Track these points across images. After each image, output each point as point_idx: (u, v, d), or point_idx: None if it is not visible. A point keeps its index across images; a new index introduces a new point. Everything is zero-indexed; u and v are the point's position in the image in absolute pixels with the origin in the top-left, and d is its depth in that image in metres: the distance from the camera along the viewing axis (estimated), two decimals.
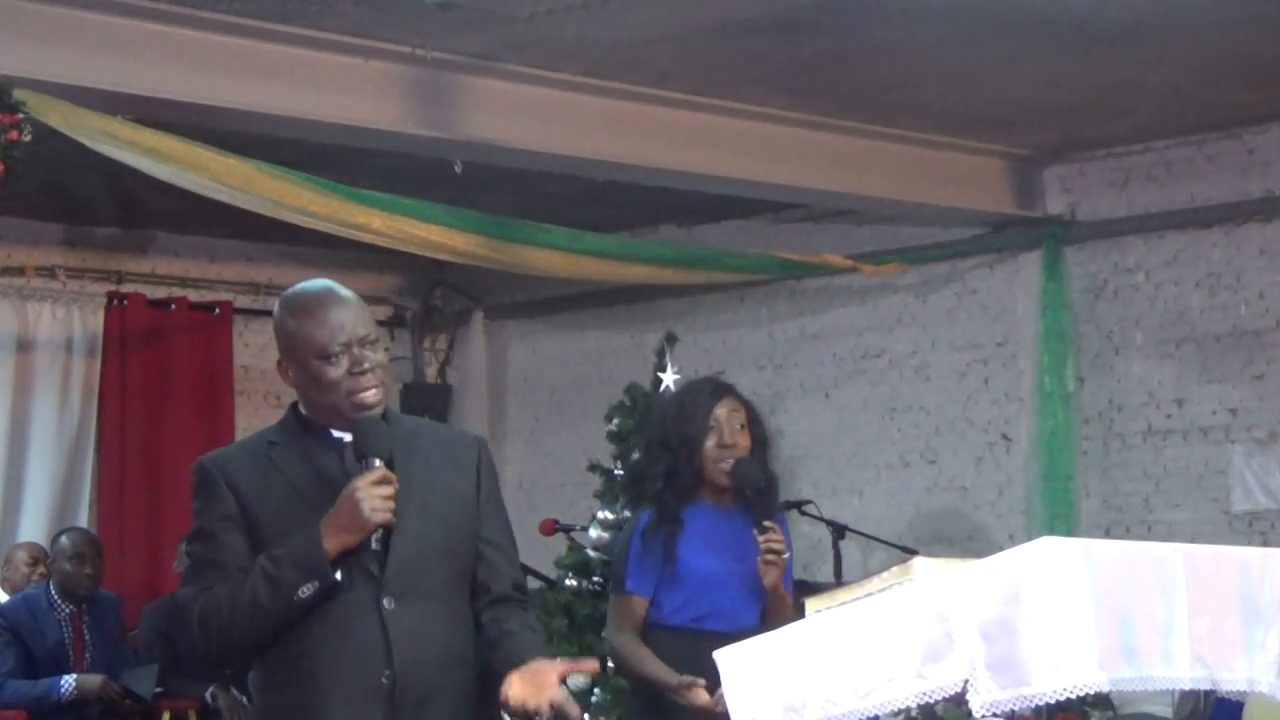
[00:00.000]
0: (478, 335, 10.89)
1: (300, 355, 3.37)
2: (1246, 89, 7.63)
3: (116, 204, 9.17)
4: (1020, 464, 8.91)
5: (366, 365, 3.33)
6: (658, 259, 8.64)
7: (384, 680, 3.22)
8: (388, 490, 3.23)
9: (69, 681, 7.37)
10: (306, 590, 3.19)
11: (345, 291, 3.40)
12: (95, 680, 7.40)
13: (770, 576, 4.44)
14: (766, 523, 4.46)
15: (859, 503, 9.40)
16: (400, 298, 10.97)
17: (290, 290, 3.47)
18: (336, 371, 3.33)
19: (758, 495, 4.52)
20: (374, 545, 3.24)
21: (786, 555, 4.48)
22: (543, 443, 10.75)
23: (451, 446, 3.49)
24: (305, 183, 6.76)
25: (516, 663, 3.25)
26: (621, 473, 6.77)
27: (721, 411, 4.58)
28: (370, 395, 3.33)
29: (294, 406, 3.47)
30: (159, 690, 7.62)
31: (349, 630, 3.24)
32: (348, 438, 3.35)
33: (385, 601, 3.25)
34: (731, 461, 4.52)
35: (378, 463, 3.26)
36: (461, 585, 3.38)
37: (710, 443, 4.54)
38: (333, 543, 3.20)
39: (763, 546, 4.43)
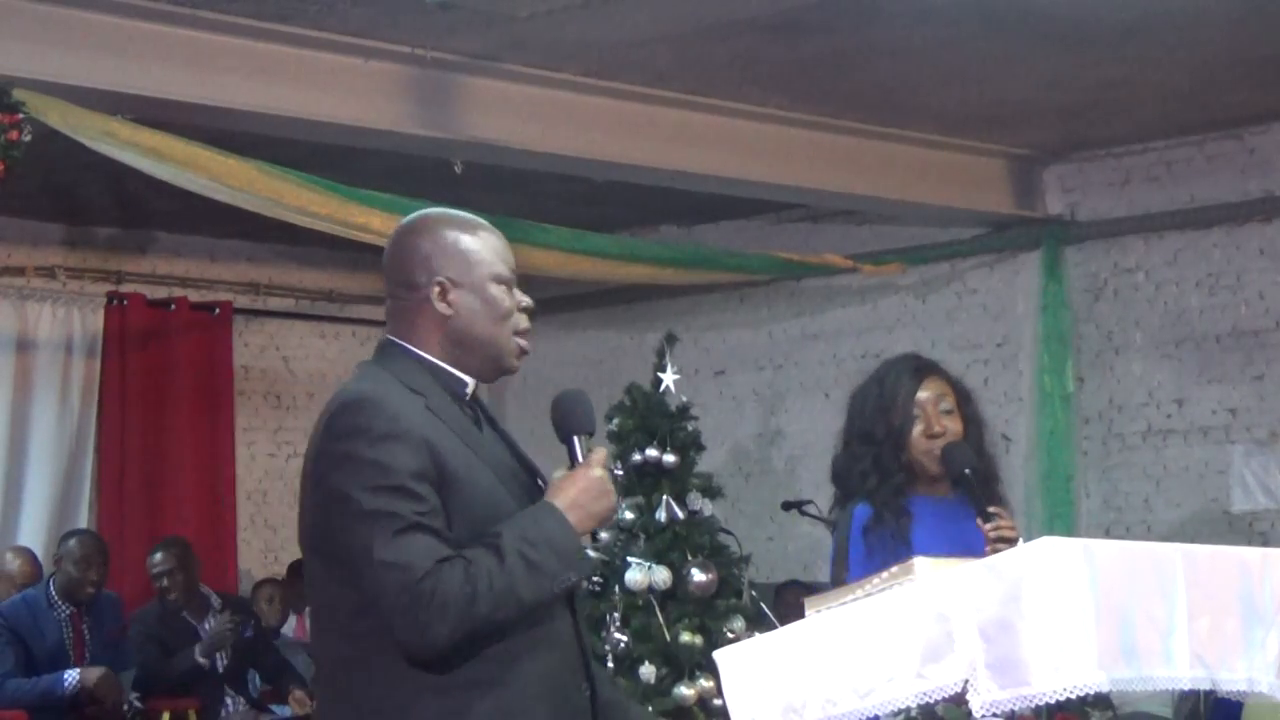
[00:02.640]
0: None
1: (476, 275, 2.94)
2: (1246, 89, 7.63)
3: (116, 204, 9.17)
4: (1020, 464, 8.91)
5: (530, 303, 3.02)
6: (658, 259, 8.65)
7: (585, 693, 2.90)
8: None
9: (72, 675, 7.36)
10: (567, 581, 2.79)
11: None
12: (95, 672, 7.38)
13: None
14: (992, 509, 3.96)
15: None
16: None
17: (435, 211, 3.08)
18: (511, 301, 2.97)
19: (976, 480, 4.03)
20: (599, 537, 2.93)
21: (1019, 540, 3.83)
22: (543, 443, 10.72)
23: None
24: (305, 183, 6.76)
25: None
26: (621, 473, 6.76)
27: (926, 395, 4.14)
28: (530, 341, 3.03)
29: (402, 350, 2.95)
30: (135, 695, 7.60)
31: (551, 634, 2.84)
32: (469, 388, 3.03)
33: (575, 604, 2.92)
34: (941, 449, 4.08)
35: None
36: None
37: (917, 431, 4.09)
38: (583, 529, 2.85)
39: (991, 535, 3.91)
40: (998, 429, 9.15)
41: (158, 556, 8.02)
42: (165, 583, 7.93)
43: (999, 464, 4.31)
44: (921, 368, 4.21)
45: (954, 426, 4.12)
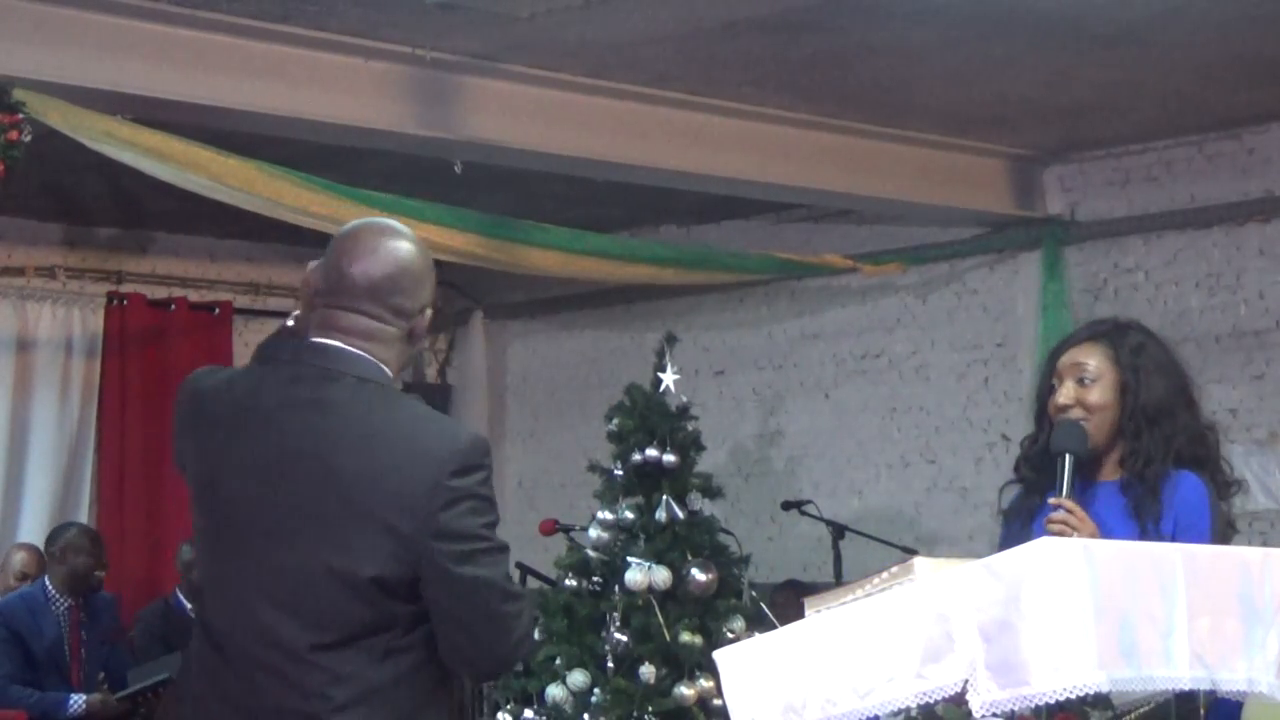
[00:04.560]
0: (478, 335, 10.90)
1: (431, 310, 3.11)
2: (1246, 89, 7.63)
3: (116, 204, 9.17)
4: None
5: None
6: (658, 259, 8.64)
7: None
8: None
9: (78, 700, 7.37)
10: None
11: None
12: (97, 697, 7.40)
13: None
14: (1053, 499, 3.49)
15: (859, 503, 9.40)
16: None
17: (405, 229, 3.14)
18: None
19: (1069, 468, 3.52)
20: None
21: (1078, 535, 3.39)
22: (543, 443, 10.75)
23: None
24: (305, 183, 6.76)
25: None
26: (621, 473, 6.76)
27: (1066, 361, 3.64)
28: None
29: (388, 377, 3.02)
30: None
31: None
32: None
33: None
34: None
35: None
36: None
37: (1050, 403, 3.65)
38: None
39: (1046, 526, 3.46)
40: (998, 429, 9.23)
41: (187, 548, 8.05)
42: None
43: (1200, 442, 3.68)
44: (1080, 331, 3.76)
45: (1092, 398, 3.60)
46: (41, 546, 8.52)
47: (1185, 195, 8.56)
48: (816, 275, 9.37)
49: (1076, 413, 3.61)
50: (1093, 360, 3.63)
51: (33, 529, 9.11)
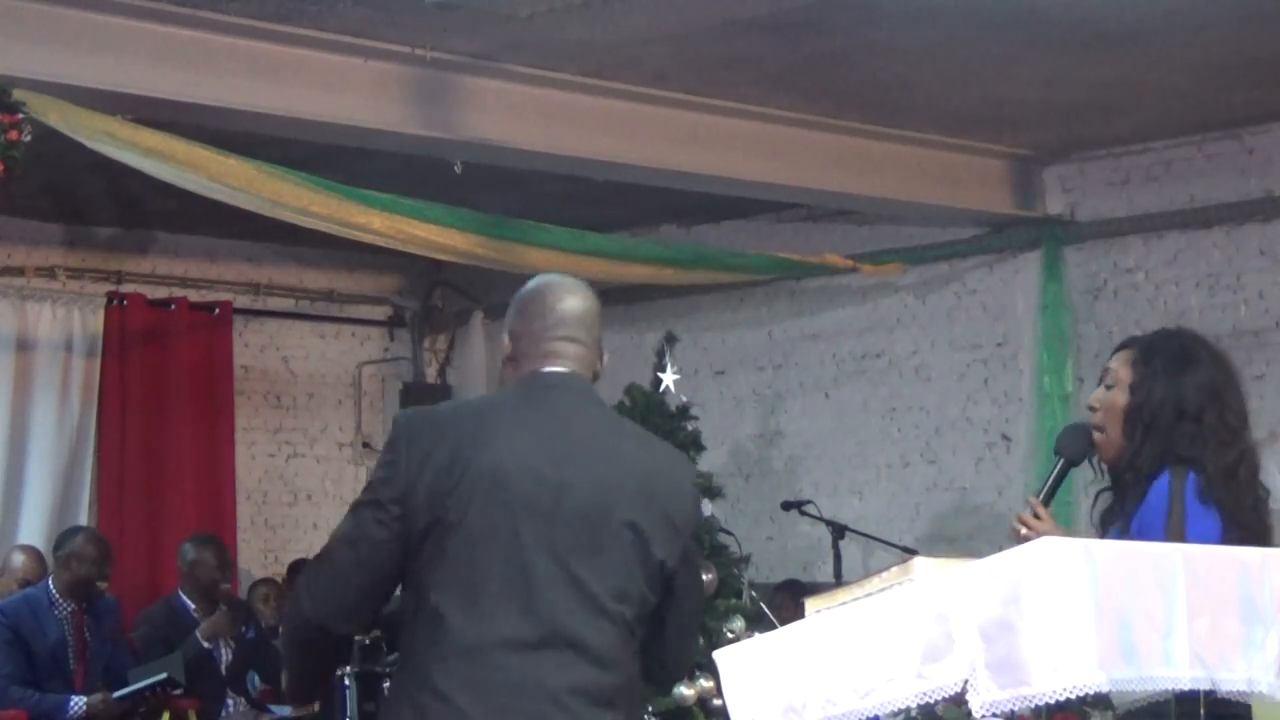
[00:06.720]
0: (478, 335, 10.89)
1: None
2: (1246, 89, 7.63)
3: (116, 204, 9.17)
4: (1020, 464, 8.91)
5: None
6: (658, 259, 8.64)
7: None
8: None
9: (78, 703, 7.36)
10: None
11: None
12: (97, 698, 7.39)
13: None
14: (1031, 498, 3.75)
15: (859, 503, 9.40)
16: (400, 298, 10.98)
17: None
18: None
19: (1057, 471, 3.75)
20: None
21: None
22: None
23: None
24: (305, 183, 6.76)
25: None
26: None
27: (1107, 365, 3.76)
28: None
29: None
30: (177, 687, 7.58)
31: None
32: None
33: None
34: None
35: None
36: None
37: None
38: None
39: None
40: (998, 429, 9.22)
41: (189, 547, 8.06)
42: (206, 574, 7.96)
43: (1197, 447, 3.64)
44: (1129, 339, 3.82)
45: (1109, 402, 3.68)
46: (42, 547, 8.52)
47: (1185, 195, 8.56)
48: (816, 275, 9.37)
49: (1098, 417, 3.70)
50: (1117, 366, 3.71)
51: (33, 529, 9.10)
